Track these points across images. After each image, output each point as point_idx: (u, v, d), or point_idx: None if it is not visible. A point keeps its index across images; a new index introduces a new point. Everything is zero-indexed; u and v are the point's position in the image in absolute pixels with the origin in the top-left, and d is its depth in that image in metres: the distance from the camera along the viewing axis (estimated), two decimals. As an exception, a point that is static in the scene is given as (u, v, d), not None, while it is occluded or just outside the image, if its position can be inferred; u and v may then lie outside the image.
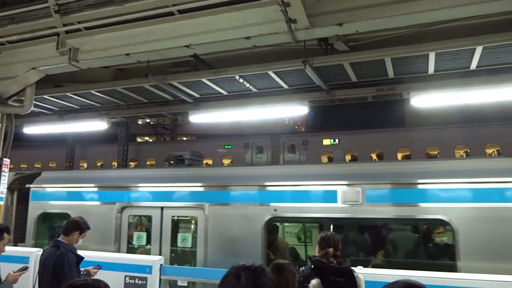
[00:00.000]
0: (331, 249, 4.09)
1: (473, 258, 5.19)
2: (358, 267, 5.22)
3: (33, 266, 6.41)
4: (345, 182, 5.98)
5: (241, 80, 7.44)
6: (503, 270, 4.86)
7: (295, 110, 7.85)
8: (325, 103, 8.14)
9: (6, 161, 6.68)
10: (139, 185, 7.37)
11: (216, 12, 5.22)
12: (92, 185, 7.74)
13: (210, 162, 19.38)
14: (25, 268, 4.65)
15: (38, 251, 6.71)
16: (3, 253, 4.42)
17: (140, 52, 5.76)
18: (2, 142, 6.73)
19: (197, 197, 6.86)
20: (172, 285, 6.53)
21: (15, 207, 8.42)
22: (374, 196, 5.81)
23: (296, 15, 4.71)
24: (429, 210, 5.51)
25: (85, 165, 22.61)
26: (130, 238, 7.33)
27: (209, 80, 7.50)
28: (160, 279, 6.18)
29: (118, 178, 7.81)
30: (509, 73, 6.59)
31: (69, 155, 22.40)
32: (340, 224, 6.18)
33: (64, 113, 10.20)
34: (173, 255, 6.94)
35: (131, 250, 7.24)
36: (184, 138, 28.33)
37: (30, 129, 10.04)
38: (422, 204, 5.54)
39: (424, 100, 6.85)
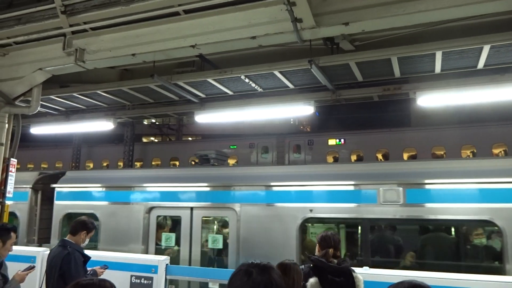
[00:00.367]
0: (331, 250, 4.13)
1: None
2: (363, 267, 5.21)
3: (40, 266, 6.45)
4: (386, 182, 5.80)
5: (246, 80, 7.44)
6: None
7: (300, 110, 7.82)
8: (331, 103, 8.11)
9: (13, 161, 6.72)
10: (168, 185, 7.25)
11: (221, 12, 5.22)
12: (119, 185, 7.64)
13: (215, 162, 19.37)
14: (32, 267, 4.68)
15: (45, 251, 6.76)
16: (10, 253, 4.45)
17: (146, 52, 5.76)
18: (9, 142, 6.77)
19: (228, 197, 6.71)
20: (177, 286, 6.54)
21: (39, 207, 8.37)
22: (416, 196, 5.62)
23: (302, 14, 4.69)
24: (475, 210, 5.31)
25: (91, 165, 22.73)
26: (158, 239, 7.19)
27: (214, 80, 7.50)
28: (166, 279, 6.20)
29: (145, 178, 7.69)
30: (516, 72, 6.55)
31: (75, 155, 22.52)
32: (380, 225, 6.02)
33: (70, 113, 10.24)
34: (203, 256, 6.81)
35: (159, 251, 7.11)
36: (190, 138, 28.38)
37: (37, 129, 10.10)
38: (468, 205, 5.34)
39: (431, 100, 6.80)
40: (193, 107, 8.86)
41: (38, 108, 6.81)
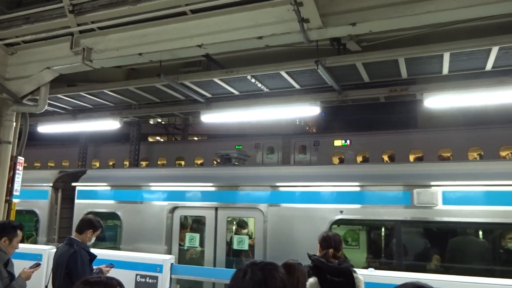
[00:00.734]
0: (331, 250, 4.13)
1: None
2: (369, 268, 5.18)
3: (46, 264, 6.49)
4: (421, 183, 5.65)
5: (252, 80, 7.44)
6: None
7: (307, 111, 7.80)
8: (337, 104, 8.08)
9: (21, 159, 6.76)
10: (192, 184, 7.14)
11: (228, 12, 5.22)
12: (142, 184, 7.56)
13: (221, 162, 19.39)
14: (38, 265, 4.71)
15: (51, 249, 6.80)
16: (16, 250, 4.47)
17: (153, 51, 5.78)
18: (16, 140, 6.81)
19: (255, 197, 6.59)
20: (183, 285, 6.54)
21: (60, 206, 8.34)
22: (453, 198, 5.45)
23: (309, 14, 4.68)
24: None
25: (97, 164, 22.82)
26: (181, 240, 7.09)
27: (220, 80, 7.50)
28: (170, 278, 6.21)
29: (169, 177, 7.61)
30: (525, 74, 6.49)
31: (82, 154, 22.63)
32: (414, 227, 5.85)
33: (77, 112, 10.29)
34: (228, 257, 6.70)
35: (182, 251, 7.02)
36: (195, 138, 28.43)
37: (44, 128, 10.15)
38: (507, 208, 5.18)
39: (438, 101, 6.75)
40: (199, 106, 8.87)
41: (46, 106, 6.85)
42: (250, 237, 6.68)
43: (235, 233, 6.85)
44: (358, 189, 6.00)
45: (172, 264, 6.28)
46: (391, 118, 22.34)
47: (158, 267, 6.19)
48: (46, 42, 6.41)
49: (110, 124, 9.44)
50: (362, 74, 6.98)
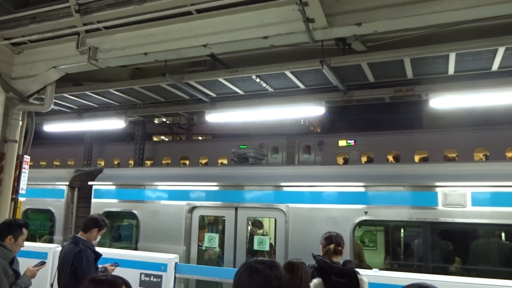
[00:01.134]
0: (332, 245, 4.12)
1: None
2: (373, 269, 5.16)
3: (51, 262, 6.53)
4: (448, 184, 5.52)
5: (257, 80, 7.44)
6: None
7: (311, 111, 7.80)
8: (342, 104, 8.06)
9: (27, 158, 6.80)
10: (211, 184, 7.05)
11: (233, 11, 5.22)
12: (160, 183, 7.50)
13: (225, 162, 19.44)
14: (43, 263, 4.73)
15: (57, 247, 6.84)
16: (22, 248, 4.50)
17: (158, 51, 5.79)
18: (22, 139, 6.85)
19: (276, 197, 6.50)
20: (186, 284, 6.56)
21: (76, 205, 8.31)
22: (483, 199, 5.31)
23: (314, 14, 4.67)
24: None
25: (103, 163, 22.91)
26: (200, 240, 7.02)
27: (225, 79, 7.51)
28: (175, 277, 6.23)
29: (187, 177, 7.54)
30: (531, 74, 6.45)
31: (87, 153, 22.73)
32: (441, 229, 5.73)
33: (83, 112, 10.34)
34: (248, 256, 6.60)
35: (201, 252, 6.96)
36: (200, 138, 28.49)
37: (50, 127, 10.21)
38: None
39: (444, 102, 6.73)
40: (204, 106, 8.89)
41: (52, 106, 6.89)
42: (271, 238, 6.60)
43: (256, 234, 6.75)
44: (383, 189, 5.89)
45: (176, 263, 6.29)
46: (396, 118, 22.26)
47: (162, 266, 6.20)
48: (52, 42, 6.44)
49: (115, 123, 9.48)
50: (367, 74, 6.96)
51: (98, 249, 4.78)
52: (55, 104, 8.77)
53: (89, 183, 8.01)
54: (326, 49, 6.29)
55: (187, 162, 20.96)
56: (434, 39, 5.99)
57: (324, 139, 18.87)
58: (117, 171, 9.43)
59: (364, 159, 17.53)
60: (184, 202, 7.09)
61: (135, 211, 7.45)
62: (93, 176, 8.20)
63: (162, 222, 7.21)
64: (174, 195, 7.26)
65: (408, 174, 6.04)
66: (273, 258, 6.18)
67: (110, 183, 7.90)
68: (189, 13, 5.47)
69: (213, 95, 8.52)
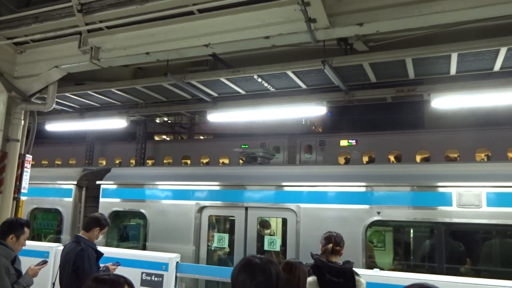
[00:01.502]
0: (330, 245, 4.12)
1: None
2: (375, 269, 5.15)
3: (53, 261, 6.54)
4: (463, 184, 5.44)
5: (259, 80, 7.44)
6: None
7: (313, 110, 7.79)
8: (343, 104, 8.06)
9: (29, 157, 6.81)
10: (220, 183, 7.00)
11: (235, 11, 5.22)
12: (169, 183, 7.45)
13: (226, 161, 19.45)
14: (45, 262, 4.73)
15: (58, 246, 6.85)
16: (24, 247, 4.51)
17: (160, 51, 5.80)
18: (25, 138, 6.87)
19: (287, 197, 6.44)
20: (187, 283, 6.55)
21: (83, 204, 8.28)
22: (498, 199, 5.21)
23: (316, 14, 4.67)
24: None
25: (104, 162, 22.95)
26: (210, 240, 6.97)
27: (227, 79, 7.52)
28: (176, 277, 6.23)
29: (196, 176, 7.48)
30: (534, 74, 6.44)
31: (89, 152, 22.77)
32: (456, 230, 5.65)
33: (84, 111, 10.36)
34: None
35: (211, 252, 6.91)
36: (201, 137, 28.51)
37: (52, 126, 10.23)
38: None
39: (445, 102, 6.72)
40: (205, 106, 8.89)
41: (54, 105, 6.89)
42: (281, 238, 6.55)
43: (266, 234, 6.70)
44: (396, 189, 5.83)
45: (177, 262, 6.29)
46: (398, 118, 22.26)
47: (163, 265, 6.21)
48: (54, 41, 6.45)
49: (117, 123, 9.50)
50: (369, 74, 6.96)
51: (99, 248, 4.79)
52: (57, 103, 8.78)
53: (97, 182, 7.98)
54: (328, 49, 6.29)
55: (189, 161, 20.97)
56: (436, 39, 5.99)
57: (326, 139, 18.88)
58: (125, 171, 9.36)
59: (365, 159, 17.51)
60: (193, 202, 7.04)
61: (143, 211, 7.42)
62: (101, 175, 8.16)
63: (171, 222, 7.16)
64: (183, 195, 7.21)
65: (422, 174, 5.97)
66: (283, 259, 6.18)
67: (118, 182, 7.87)
68: (191, 13, 5.47)
69: (215, 94, 8.52)
